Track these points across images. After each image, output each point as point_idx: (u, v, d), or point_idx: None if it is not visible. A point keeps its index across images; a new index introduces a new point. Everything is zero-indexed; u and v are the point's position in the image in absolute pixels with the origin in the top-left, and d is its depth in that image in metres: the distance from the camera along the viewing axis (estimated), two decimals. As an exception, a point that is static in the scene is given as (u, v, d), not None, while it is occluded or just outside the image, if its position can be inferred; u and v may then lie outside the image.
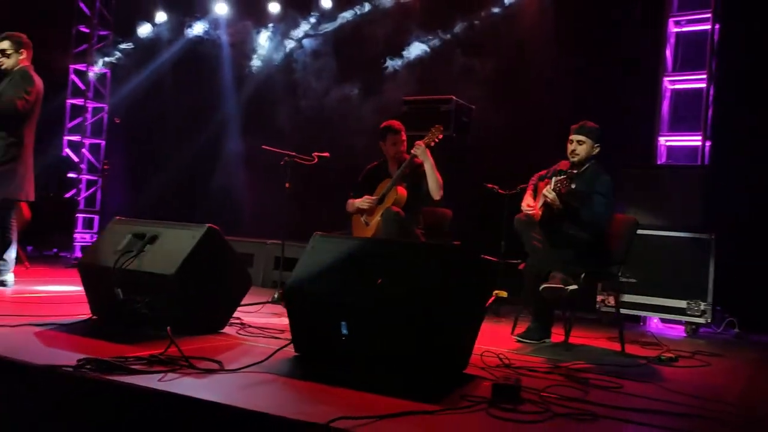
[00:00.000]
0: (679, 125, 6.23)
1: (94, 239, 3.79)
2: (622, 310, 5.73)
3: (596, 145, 4.30)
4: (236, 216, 8.63)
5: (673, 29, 6.27)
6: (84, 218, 9.91)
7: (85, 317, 3.59)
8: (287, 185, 4.97)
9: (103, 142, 10.04)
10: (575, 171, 4.10)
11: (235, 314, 4.06)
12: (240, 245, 6.11)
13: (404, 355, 2.80)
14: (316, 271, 3.08)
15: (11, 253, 4.92)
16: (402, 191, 4.97)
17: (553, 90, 6.70)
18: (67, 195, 9.48)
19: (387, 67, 7.88)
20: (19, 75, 4.83)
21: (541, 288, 3.93)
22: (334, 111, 7.88)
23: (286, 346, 3.05)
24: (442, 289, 2.82)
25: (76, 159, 9.81)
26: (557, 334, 4.32)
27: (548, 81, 6.75)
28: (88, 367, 2.48)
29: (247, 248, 6.80)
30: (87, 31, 9.88)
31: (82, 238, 9.68)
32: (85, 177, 9.89)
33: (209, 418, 2.10)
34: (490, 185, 5.75)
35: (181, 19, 9.36)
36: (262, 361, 2.83)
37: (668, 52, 6.23)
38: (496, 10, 7.22)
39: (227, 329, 3.72)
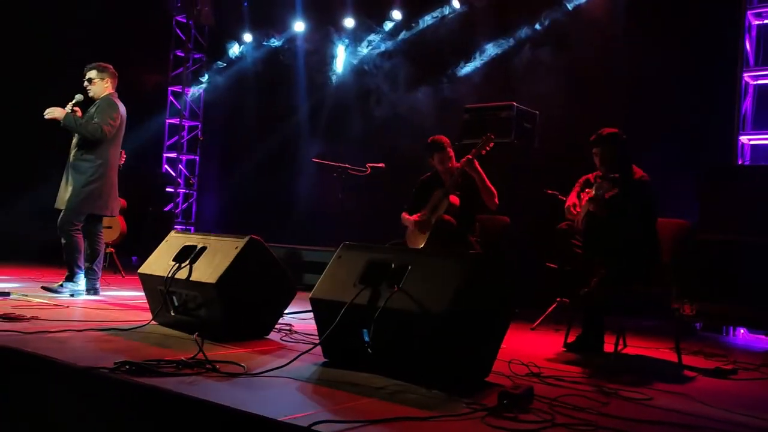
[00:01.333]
0: (763, 123, 5.86)
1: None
2: (700, 321, 5.50)
3: (617, 147, 4.14)
4: (323, 225, 8.88)
5: (754, 22, 5.91)
6: (182, 229, 10.59)
7: (145, 322, 3.90)
8: (340, 195, 5.12)
9: (198, 158, 10.69)
10: (616, 175, 3.98)
11: (287, 321, 4.27)
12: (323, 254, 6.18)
13: (423, 363, 2.86)
14: (341, 280, 3.19)
15: (99, 263, 5.38)
16: (455, 200, 4.99)
17: (624, 90, 6.51)
18: (166, 208, 10.17)
19: (459, 72, 7.94)
20: (105, 103, 5.29)
21: (581, 294, 3.86)
22: (407, 117, 8.03)
23: (308, 351, 3.18)
24: (462, 297, 2.85)
25: (173, 174, 10.51)
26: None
27: (619, 81, 6.57)
28: (124, 369, 2.71)
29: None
30: (182, 54, 10.58)
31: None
32: (182, 191, 10.58)
33: (196, 417, 2.27)
34: (550, 191, 5.65)
35: (264, 36, 9.87)
36: (284, 366, 2.98)
37: (748, 46, 5.88)
38: (565, 10, 7.08)
39: (272, 335, 3.91)
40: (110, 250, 7.35)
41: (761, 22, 5.89)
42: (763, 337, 5.41)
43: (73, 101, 5.26)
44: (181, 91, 10.52)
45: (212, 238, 3.95)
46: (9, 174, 8.43)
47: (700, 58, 6.19)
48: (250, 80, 10.16)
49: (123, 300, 5.23)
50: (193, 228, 10.70)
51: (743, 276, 5.17)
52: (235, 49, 10.13)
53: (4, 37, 8.45)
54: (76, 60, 5.92)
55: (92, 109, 5.34)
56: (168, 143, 10.64)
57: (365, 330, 3.02)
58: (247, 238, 3.75)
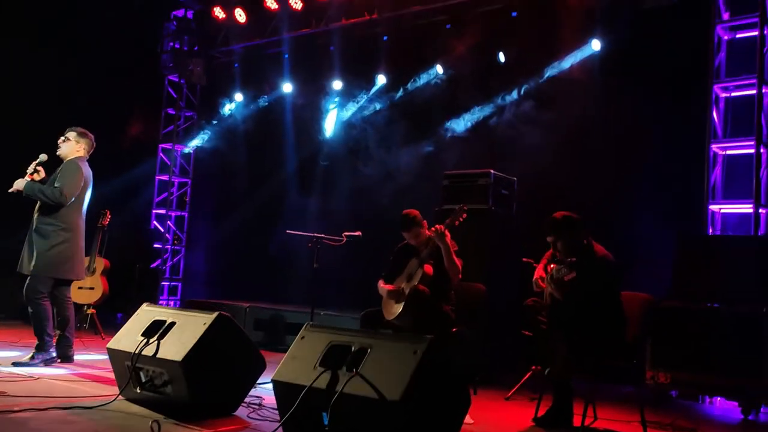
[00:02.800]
0: (732, 193, 5.99)
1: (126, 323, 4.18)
2: (675, 389, 5.51)
3: (571, 233, 4.23)
4: (308, 285, 8.87)
5: (721, 95, 6.10)
6: (169, 286, 10.62)
7: (112, 398, 3.90)
8: (315, 265, 5.19)
9: (186, 214, 10.80)
10: (573, 259, 4.07)
11: (259, 392, 4.28)
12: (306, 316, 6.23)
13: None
14: (302, 362, 3.24)
15: (71, 330, 5.37)
16: (429, 269, 5.06)
17: (599, 160, 6.66)
18: (153, 265, 10.21)
19: (444, 136, 8.12)
20: (70, 166, 5.28)
21: (546, 372, 3.90)
22: (392, 179, 8.16)
23: (269, 435, 3.20)
24: (418, 382, 2.89)
25: (162, 230, 10.59)
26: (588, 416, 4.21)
27: (597, 149, 6.73)
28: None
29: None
30: (174, 113, 10.79)
31: (167, 304, 10.35)
32: (170, 247, 10.64)
33: None
34: (526, 260, 5.72)
35: (255, 96, 10.11)
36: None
37: (716, 117, 6.04)
38: (544, 79, 7.30)
39: (241, 410, 3.92)
40: (91, 311, 7.36)
41: (728, 95, 6.07)
42: (735, 403, 5.41)
43: (37, 161, 5.26)
44: (171, 148, 10.68)
45: (182, 312, 4.00)
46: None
47: (672, 129, 6.36)
48: (240, 138, 10.34)
49: (96, 366, 5.22)
50: (180, 284, 10.72)
51: (716, 344, 5.21)
52: (227, 108, 10.35)
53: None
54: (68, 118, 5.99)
55: (57, 172, 5.30)
56: (157, 200, 10.75)
57: (325, 413, 3.05)
58: (215, 315, 3.80)
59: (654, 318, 5.26)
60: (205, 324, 3.74)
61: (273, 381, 3.25)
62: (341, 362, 3.09)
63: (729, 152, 6.06)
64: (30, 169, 5.27)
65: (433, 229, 4.97)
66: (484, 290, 5.46)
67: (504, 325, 6.00)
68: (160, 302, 10.10)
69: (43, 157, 5.32)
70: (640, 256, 6.03)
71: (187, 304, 9.33)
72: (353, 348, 3.13)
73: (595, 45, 7.04)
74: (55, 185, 5.16)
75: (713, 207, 5.97)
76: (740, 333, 5.10)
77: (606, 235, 4.98)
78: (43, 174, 5.31)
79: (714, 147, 6.01)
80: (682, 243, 5.58)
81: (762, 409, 5.14)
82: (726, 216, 6.03)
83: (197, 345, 3.63)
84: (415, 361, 2.91)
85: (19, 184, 5.15)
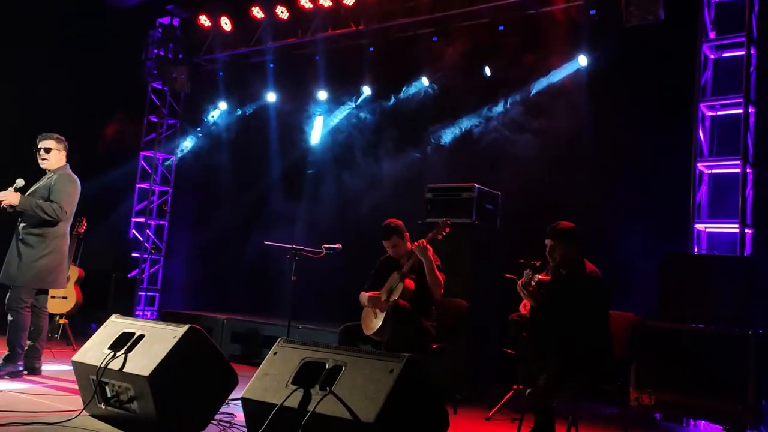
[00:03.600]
0: (718, 212, 5.94)
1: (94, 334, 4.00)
2: (659, 411, 5.41)
3: (571, 244, 4.15)
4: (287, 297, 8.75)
5: (707, 113, 6.06)
6: (146, 296, 10.40)
7: (75, 414, 3.73)
8: (294, 278, 5.06)
9: (166, 224, 10.61)
10: (536, 263, 4.03)
11: (231, 409, 4.13)
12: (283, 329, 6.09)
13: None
14: (274, 379, 3.10)
15: (42, 341, 5.19)
16: (410, 284, 4.95)
17: (585, 176, 6.61)
18: (131, 274, 9.99)
19: (429, 148, 8.04)
20: (64, 180, 5.14)
21: (527, 393, 3.78)
22: (377, 191, 8.07)
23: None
24: (394, 404, 2.77)
25: (141, 239, 10.38)
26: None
27: (583, 164, 6.68)
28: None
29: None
30: (156, 120, 10.63)
31: (143, 315, 10.13)
32: (149, 256, 10.43)
33: None
34: (509, 275, 5.62)
35: (239, 105, 10.01)
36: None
37: (702, 136, 6.00)
38: (526, 97, 7.27)
39: (211, 428, 3.77)
40: (63, 321, 7.16)
41: (714, 114, 6.04)
42: (721, 429, 5.32)
43: (14, 186, 5.01)
44: (153, 155, 10.51)
45: (152, 325, 3.84)
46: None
47: (658, 146, 6.32)
48: (223, 147, 10.20)
49: (64, 379, 5.03)
50: (158, 294, 10.51)
51: (701, 366, 5.13)
52: (211, 116, 10.23)
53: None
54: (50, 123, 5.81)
55: (45, 182, 5.14)
56: (137, 208, 10.55)
57: (296, 434, 2.91)
58: (186, 328, 3.65)
59: (639, 338, 5.19)
60: (175, 337, 3.59)
61: (242, 399, 3.11)
62: (314, 380, 2.96)
63: (715, 171, 6.02)
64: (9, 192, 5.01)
65: (415, 243, 4.86)
66: (465, 306, 5.34)
67: (486, 342, 5.89)
68: (137, 313, 9.87)
69: (19, 182, 5.08)
70: (626, 275, 5.95)
71: (164, 315, 9.13)
72: (327, 365, 3.00)
73: (582, 60, 7.01)
74: (53, 200, 5.00)
75: (699, 226, 5.92)
76: (725, 354, 5.02)
77: (591, 253, 4.90)
78: None
79: (700, 166, 5.97)
80: (667, 262, 5.51)
81: (747, 432, 5.05)
82: (712, 235, 5.97)
83: (166, 359, 3.48)
84: (391, 380, 2.79)
85: (12, 199, 4.90)
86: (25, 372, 5.05)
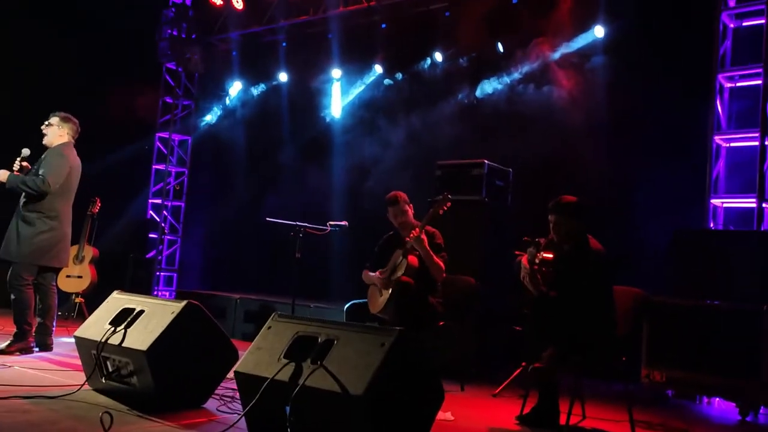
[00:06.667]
0: (735, 186, 5.78)
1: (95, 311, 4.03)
2: (671, 389, 5.32)
3: (574, 219, 4.06)
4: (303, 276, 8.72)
5: (726, 84, 5.88)
6: (165, 276, 10.51)
7: (76, 388, 3.77)
8: (298, 255, 5.04)
9: (183, 205, 10.67)
10: (540, 240, 3.94)
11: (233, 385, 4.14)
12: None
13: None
14: (267, 353, 3.08)
15: (52, 318, 5.25)
16: (413, 261, 4.90)
17: (599, 149, 6.47)
18: (149, 255, 10.10)
19: (441, 126, 7.93)
20: (54, 154, 5.16)
21: (529, 369, 3.73)
22: (389, 168, 8.01)
23: (228, 428, 3.05)
24: (384, 377, 2.74)
25: (158, 220, 10.47)
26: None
27: (594, 141, 6.54)
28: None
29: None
30: (171, 101, 10.66)
31: (162, 295, 10.24)
32: (166, 237, 10.52)
33: None
34: (518, 252, 5.54)
35: (253, 84, 9.99)
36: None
37: (720, 109, 5.83)
38: (540, 70, 7.13)
39: (211, 403, 3.78)
40: (79, 299, 7.25)
41: (733, 85, 5.85)
42: (735, 406, 5.21)
43: (20, 156, 5.12)
44: (168, 137, 10.55)
45: (152, 301, 3.86)
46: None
47: (675, 119, 6.16)
48: (239, 127, 10.20)
49: (72, 355, 5.09)
50: (176, 274, 10.61)
51: (714, 343, 5.01)
52: (226, 97, 10.24)
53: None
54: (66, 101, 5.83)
55: (40, 160, 5.18)
56: (154, 189, 10.63)
57: (288, 407, 2.89)
58: (183, 303, 3.65)
59: (649, 315, 5.09)
60: (173, 313, 3.59)
61: (235, 372, 3.10)
62: (306, 354, 2.94)
63: (733, 144, 5.85)
64: (15, 166, 5.12)
65: (411, 235, 4.81)
66: (474, 283, 5.29)
67: (496, 320, 5.83)
68: (155, 293, 9.98)
69: (25, 151, 5.18)
70: (640, 251, 5.85)
71: (180, 295, 9.21)
72: (319, 339, 2.97)
73: (598, 31, 6.83)
74: (39, 173, 5.02)
75: (715, 201, 5.76)
76: (739, 331, 4.89)
77: (604, 228, 4.81)
78: (27, 167, 5.17)
79: (717, 139, 5.80)
80: (679, 238, 5.38)
81: (761, 411, 4.94)
82: (729, 210, 5.81)
83: (164, 334, 3.49)
84: (381, 354, 2.75)
85: (1, 176, 5.00)
86: (37, 348, 5.11)
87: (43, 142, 5.26)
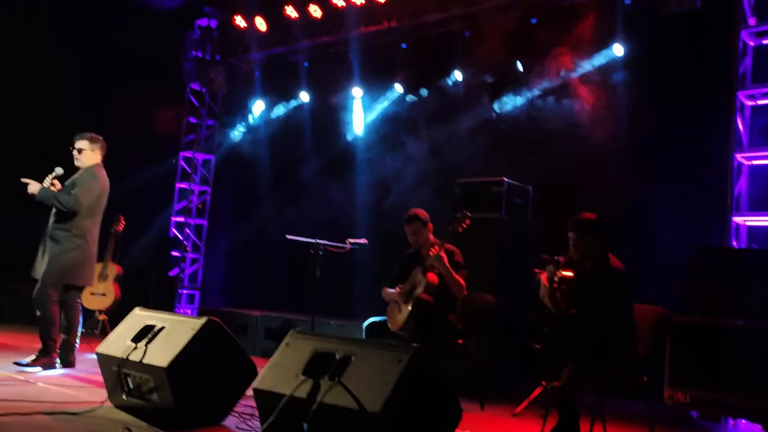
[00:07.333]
0: (759, 204, 5.72)
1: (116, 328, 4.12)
2: (695, 410, 5.24)
3: (595, 237, 4.04)
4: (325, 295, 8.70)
5: (747, 103, 5.84)
6: (187, 294, 10.61)
7: (98, 404, 3.82)
8: (318, 273, 5.07)
9: (206, 223, 10.79)
10: (560, 259, 3.93)
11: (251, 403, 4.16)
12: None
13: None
14: (285, 370, 3.11)
15: (75, 335, 5.33)
16: (433, 278, 4.90)
17: (619, 167, 6.45)
18: (172, 273, 10.21)
19: (460, 144, 7.96)
20: (86, 174, 5.33)
21: (548, 388, 3.70)
22: (410, 186, 8.05)
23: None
24: (401, 394, 2.74)
25: (181, 238, 10.59)
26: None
27: (614, 159, 6.52)
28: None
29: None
30: (195, 121, 10.83)
31: (184, 313, 10.33)
32: (189, 255, 10.63)
33: None
34: (537, 270, 5.52)
35: (275, 104, 10.13)
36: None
37: (741, 127, 5.78)
38: (559, 88, 7.15)
39: (230, 420, 3.80)
40: (103, 317, 7.34)
41: (754, 103, 5.81)
42: (761, 429, 5.11)
43: (53, 174, 5.26)
44: (192, 156, 10.71)
45: (173, 317, 3.91)
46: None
47: (696, 137, 6.13)
48: (261, 146, 10.30)
49: (94, 373, 5.15)
50: (198, 292, 10.70)
51: (739, 363, 4.93)
52: (251, 114, 10.38)
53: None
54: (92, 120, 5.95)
55: (74, 177, 5.33)
56: (177, 207, 10.77)
57: (305, 424, 2.91)
58: (204, 320, 3.70)
59: (671, 333, 5.04)
60: (193, 329, 3.64)
61: (254, 389, 3.13)
62: (324, 371, 2.96)
63: (755, 162, 5.79)
64: (46, 183, 5.24)
65: (431, 252, 4.82)
66: (493, 301, 5.28)
67: (515, 338, 5.80)
68: (177, 310, 10.08)
69: (58, 170, 5.32)
70: (660, 269, 5.79)
71: (202, 313, 9.28)
72: (337, 356, 2.99)
73: (617, 50, 6.83)
74: (71, 192, 5.17)
75: (737, 219, 5.70)
76: (764, 351, 4.82)
77: (623, 245, 4.78)
78: (59, 186, 5.31)
79: (738, 157, 5.75)
80: (699, 255, 5.32)
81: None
82: (753, 229, 5.74)
83: (184, 351, 3.53)
84: (398, 370, 2.76)
85: (33, 188, 5.14)
86: (60, 365, 5.19)
87: (77, 165, 5.41)
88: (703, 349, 5.04)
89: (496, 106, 7.83)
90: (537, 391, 5.12)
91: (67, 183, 5.34)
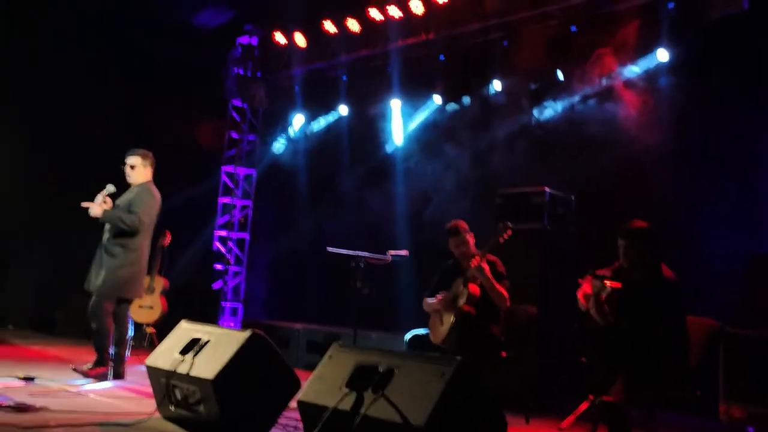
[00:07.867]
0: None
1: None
2: (752, 425, 5.06)
3: (647, 246, 3.95)
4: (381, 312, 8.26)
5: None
6: (230, 307, 10.74)
7: (147, 416, 3.89)
8: (359, 285, 5.08)
9: (248, 236, 10.93)
10: (605, 274, 3.83)
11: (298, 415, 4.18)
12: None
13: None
14: (329, 383, 3.12)
15: (125, 347, 5.45)
16: (474, 289, 4.86)
17: (666, 175, 6.32)
18: (215, 286, 10.37)
19: (501, 154, 7.91)
20: (144, 192, 5.47)
21: (597, 402, 3.62)
22: (449, 194, 8.03)
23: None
24: (445, 407, 2.72)
25: (224, 251, 10.75)
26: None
27: (661, 166, 6.39)
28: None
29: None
30: (237, 136, 11.01)
31: (227, 325, 10.46)
32: (231, 268, 10.78)
33: None
34: (581, 280, 5.43)
35: (316, 118, 10.24)
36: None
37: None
38: (601, 95, 7.05)
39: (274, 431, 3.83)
40: (151, 329, 7.48)
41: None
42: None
43: (105, 192, 5.39)
44: (233, 171, 10.88)
45: (218, 330, 3.96)
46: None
47: (746, 142, 5.97)
48: (301, 160, 10.43)
49: (144, 384, 5.25)
50: (241, 305, 10.83)
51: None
52: (291, 129, 10.52)
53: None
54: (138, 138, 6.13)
55: (128, 195, 5.48)
56: (220, 221, 10.94)
57: (349, 437, 2.91)
58: (248, 333, 3.73)
59: (725, 346, 4.90)
60: (238, 342, 3.68)
61: (298, 401, 3.14)
62: (367, 383, 2.95)
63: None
64: (98, 199, 5.36)
65: (472, 263, 4.79)
66: (536, 313, 5.20)
67: (558, 350, 5.70)
68: (221, 323, 10.21)
69: (110, 188, 5.45)
70: (706, 276, 5.63)
71: (245, 326, 9.39)
72: (380, 369, 2.99)
73: (662, 55, 6.71)
74: (133, 210, 5.31)
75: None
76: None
77: (670, 254, 4.66)
78: (110, 204, 5.43)
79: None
80: (755, 264, 5.16)
81: None
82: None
83: (229, 363, 3.57)
84: (442, 384, 2.74)
85: (96, 211, 5.28)
86: (111, 376, 5.31)
87: (129, 182, 5.54)
88: (758, 362, 4.88)
89: (536, 113, 7.77)
90: (584, 405, 5.01)
91: (119, 200, 5.46)
